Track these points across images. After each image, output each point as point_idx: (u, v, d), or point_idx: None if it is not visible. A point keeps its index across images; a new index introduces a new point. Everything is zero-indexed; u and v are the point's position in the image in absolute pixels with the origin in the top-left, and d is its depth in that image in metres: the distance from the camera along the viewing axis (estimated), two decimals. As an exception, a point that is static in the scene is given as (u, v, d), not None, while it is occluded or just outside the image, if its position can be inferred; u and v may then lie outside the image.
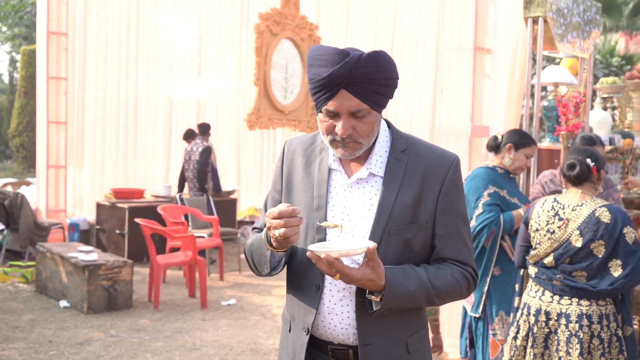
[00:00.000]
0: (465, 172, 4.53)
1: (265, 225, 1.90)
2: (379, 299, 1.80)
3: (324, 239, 1.90)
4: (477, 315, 4.21)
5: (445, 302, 1.97)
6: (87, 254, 6.88)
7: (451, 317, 5.26)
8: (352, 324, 1.88)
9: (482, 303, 4.18)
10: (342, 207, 1.91)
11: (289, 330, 2.03)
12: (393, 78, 1.84)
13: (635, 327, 3.69)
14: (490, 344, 4.16)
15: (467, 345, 4.38)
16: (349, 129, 1.82)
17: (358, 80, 1.77)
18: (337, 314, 1.89)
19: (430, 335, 4.22)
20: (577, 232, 3.35)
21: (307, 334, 1.92)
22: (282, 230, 1.74)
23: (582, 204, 3.41)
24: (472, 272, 1.97)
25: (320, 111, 1.85)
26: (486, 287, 4.16)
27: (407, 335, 1.93)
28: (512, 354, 3.56)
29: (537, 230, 3.50)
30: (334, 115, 1.83)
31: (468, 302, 4.29)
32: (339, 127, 1.82)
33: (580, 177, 3.47)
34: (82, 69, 9.97)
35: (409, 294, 1.82)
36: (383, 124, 1.97)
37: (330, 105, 1.81)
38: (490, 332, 4.15)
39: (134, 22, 10.41)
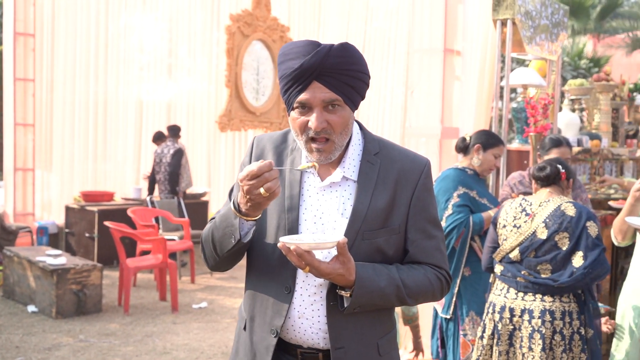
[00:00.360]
0: (435, 174, 4.55)
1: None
2: (349, 295, 1.79)
3: None
4: (448, 317, 4.23)
5: (418, 302, 1.97)
6: (56, 257, 6.79)
7: (422, 318, 5.28)
8: (323, 328, 1.86)
9: (453, 304, 4.20)
10: (315, 210, 1.89)
11: (244, 328, 1.99)
12: (364, 72, 1.83)
13: (608, 327, 3.73)
14: (461, 344, 4.18)
15: (438, 345, 4.40)
16: (323, 122, 1.79)
17: (330, 71, 1.76)
18: (308, 318, 1.86)
19: (411, 337, 4.27)
20: (543, 224, 3.42)
21: (275, 337, 1.89)
22: (268, 184, 1.68)
23: (549, 200, 3.49)
24: (446, 275, 1.97)
25: (293, 108, 1.82)
26: (456, 288, 4.18)
27: (378, 338, 1.92)
28: (479, 354, 3.60)
29: (504, 226, 3.56)
30: (307, 109, 1.80)
31: (439, 304, 4.32)
32: (312, 120, 1.79)
33: (549, 178, 3.55)
34: (50, 70, 9.85)
35: (379, 291, 1.81)
36: (355, 127, 1.95)
37: (303, 98, 1.79)
38: (461, 332, 4.18)
39: (103, 23, 10.30)
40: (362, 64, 1.83)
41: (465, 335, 4.16)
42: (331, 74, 1.77)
